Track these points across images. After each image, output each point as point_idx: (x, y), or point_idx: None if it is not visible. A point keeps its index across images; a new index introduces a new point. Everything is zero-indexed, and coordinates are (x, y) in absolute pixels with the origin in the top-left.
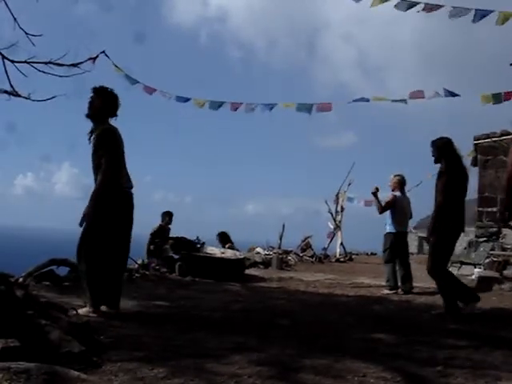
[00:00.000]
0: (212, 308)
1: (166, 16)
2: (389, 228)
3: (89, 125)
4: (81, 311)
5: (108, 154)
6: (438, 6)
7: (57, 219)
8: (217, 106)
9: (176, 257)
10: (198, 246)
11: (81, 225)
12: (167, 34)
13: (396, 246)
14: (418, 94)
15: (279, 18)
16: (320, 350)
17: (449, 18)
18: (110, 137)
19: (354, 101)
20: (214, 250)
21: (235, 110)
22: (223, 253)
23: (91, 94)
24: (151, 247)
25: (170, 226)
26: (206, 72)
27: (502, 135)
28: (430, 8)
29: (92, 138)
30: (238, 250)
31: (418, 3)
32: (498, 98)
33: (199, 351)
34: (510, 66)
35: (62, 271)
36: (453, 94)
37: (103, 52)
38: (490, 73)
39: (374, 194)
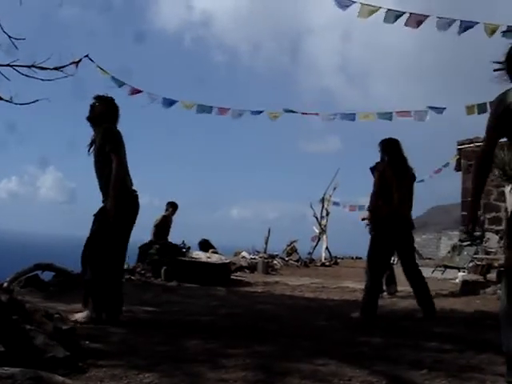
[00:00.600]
0: (198, 313)
1: (151, 20)
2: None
3: (82, 130)
4: (78, 316)
5: (118, 148)
6: (425, 16)
7: (41, 223)
8: (204, 110)
9: (162, 261)
10: (184, 250)
11: (110, 221)
12: (152, 38)
13: None
14: (404, 114)
15: (263, 22)
16: (306, 354)
17: (436, 28)
18: (116, 133)
19: (342, 118)
20: (200, 255)
21: (223, 115)
22: (209, 257)
23: (94, 100)
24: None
25: (173, 217)
26: (191, 76)
27: None
28: (416, 20)
29: (96, 138)
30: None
31: (404, 13)
32: (482, 109)
33: (186, 356)
34: (493, 71)
35: (47, 276)
36: (439, 110)
37: (87, 56)
38: (476, 77)
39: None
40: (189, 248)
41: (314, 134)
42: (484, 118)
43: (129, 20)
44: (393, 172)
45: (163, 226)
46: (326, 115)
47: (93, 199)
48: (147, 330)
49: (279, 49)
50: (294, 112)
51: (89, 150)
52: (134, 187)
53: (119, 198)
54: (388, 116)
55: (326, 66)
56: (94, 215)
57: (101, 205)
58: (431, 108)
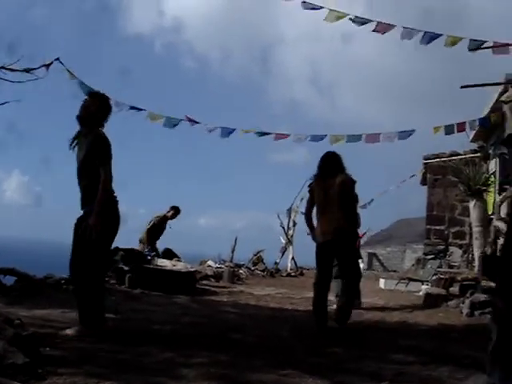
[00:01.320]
0: (161, 321)
1: (121, 25)
2: None
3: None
4: (70, 332)
5: (108, 162)
6: (390, 26)
7: (5, 226)
8: (172, 124)
9: (126, 268)
10: (149, 257)
11: (89, 237)
12: (123, 43)
13: None
14: (373, 138)
15: (234, 31)
16: (269, 365)
17: (400, 37)
18: (109, 145)
19: (312, 139)
20: (165, 263)
21: (192, 125)
22: (174, 265)
23: (87, 97)
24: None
25: (172, 220)
26: (161, 82)
27: (451, 155)
28: (382, 28)
29: (85, 141)
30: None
31: (371, 21)
32: (450, 130)
33: (147, 365)
34: (460, 88)
35: (9, 281)
36: (408, 134)
37: (57, 59)
38: (441, 93)
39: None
40: (154, 255)
41: (282, 145)
42: (451, 137)
43: (100, 24)
44: (318, 189)
45: (158, 228)
46: (297, 136)
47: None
48: (110, 337)
49: (250, 58)
50: (266, 134)
51: (71, 145)
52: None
53: (104, 212)
54: (357, 138)
55: (295, 76)
56: (76, 225)
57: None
58: (400, 132)
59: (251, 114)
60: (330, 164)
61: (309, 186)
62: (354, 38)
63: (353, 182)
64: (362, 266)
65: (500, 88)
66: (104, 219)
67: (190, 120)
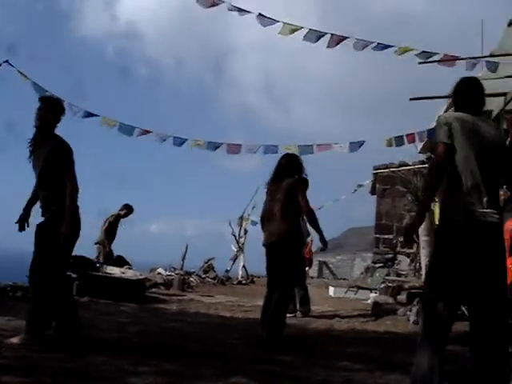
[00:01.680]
0: (109, 329)
1: (73, 29)
2: None
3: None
4: (16, 340)
5: (72, 168)
6: (343, 38)
7: None
8: (127, 130)
9: (74, 275)
10: (98, 265)
11: (63, 245)
12: (75, 48)
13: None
14: (325, 147)
15: (188, 38)
16: (218, 373)
17: (354, 49)
18: (70, 150)
19: (265, 152)
20: (114, 270)
21: (145, 134)
22: (123, 273)
23: (42, 105)
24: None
25: (124, 219)
26: (112, 87)
27: (400, 166)
28: (336, 40)
29: (42, 148)
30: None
31: (325, 34)
32: (400, 141)
33: (93, 373)
34: (409, 100)
35: None
36: (359, 145)
37: (7, 61)
38: (392, 106)
39: None
40: (103, 263)
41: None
42: (400, 149)
43: (51, 26)
44: (269, 192)
45: (114, 227)
46: (250, 146)
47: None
48: (55, 346)
49: (203, 66)
50: (217, 146)
51: (31, 155)
52: None
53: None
54: (309, 149)
55: (249, 86)
56: (37, 231)
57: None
58: (351, 143)
59: (204, 122)
60: (284, 167)
61: (266, 186)
62: (308, 48)
63: (302, 183)
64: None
65: (448, 100)
66: (60, 225)
67: (142, 133)
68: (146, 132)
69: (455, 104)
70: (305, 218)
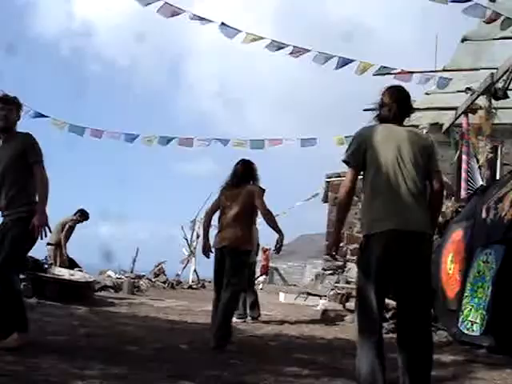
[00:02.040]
0: (56, 332)
1: (28, 25)
2: None
3: None
4: (11, 341)
5: (42, 159)
6: (305, 50)
7: None
8: (78, 130)
9: (22, 277)
10: (46, 266)
11: (38, 237)
12: (28, 45)
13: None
14: (277, 142)
15: (144, 39)
16: (165, 378)
17: (314, 62)
18: (38, 143)
19: (216, 140)
20: (63, 272)
21: (98, 137)
22: (72, 275)
23: (3, 105)
24: None
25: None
26: (67, 88)
27: None
28: (297, 51)
29: (11, 145)
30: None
31: (287, 45)
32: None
33: (39, 377)
34: (363, 111)
35: None
36: (310, 142)
37: None
38: (345, 114)
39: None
40: (51, 264)
41: (187, 155)
42: None
43: (2, 22)
44: (224, 197)
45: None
46: (201, 141)
47: None
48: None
49: (158, 68)
50: (170, 140)
51: None
52: None
53: (31, 216)
54: (260, 144)
55: (203, 89)
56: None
57: None
58: (303, 140)
59: (158, 124)
60: (242, 173)
61: (221, 189)
62: (266, 55)
63: (259, 190)
64: (261, 279)
65: None
66: (28, 223)
67: (94, 134)
68: (98, 131)
69: (377, 114)
70: (257, 225)
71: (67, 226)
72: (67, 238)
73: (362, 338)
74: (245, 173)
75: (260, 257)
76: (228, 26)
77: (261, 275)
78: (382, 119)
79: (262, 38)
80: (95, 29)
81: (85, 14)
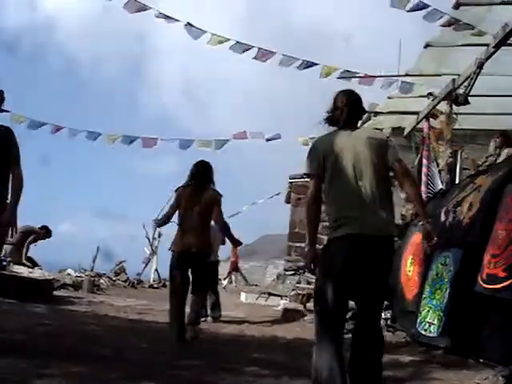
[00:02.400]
0: (13, 330)
1: None
2: None
3: None
4: None
5: (19, 153)
6: (271, 53)
7: None
8: (37, 126)
9: None
10: (4, 263)
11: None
12: None
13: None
14: (241, 135)
15: (108, 36)
16: (125, 377)
17: (280, 64)
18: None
19: (181, 146)
20: (21, 269)
21: (56, 132)
22: (31, 272)
23: None
24: None
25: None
26: (26, 83)
27: None
28: (262, 54)
29: None
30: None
31: (252, 47)
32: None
33: None
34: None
35: None
36: (275, 138)
37: None
38: (311, 116)
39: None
40: (10, 262)
41: (150, 154)
42: None
43: None
44: (185, 199)
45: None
46: (165, 140)
47: None
48: None
49: (122, 65)
50: (134, 139)
51: None
52: None
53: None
54: (225, 144)
55: (167, 88)
56: None
57: None
58: (268, 140)
59: (121, 122)
60: (202, 175)
61: (176, 190)
62: (229, 55)
63: (220, 197)
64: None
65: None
66: None
67: (56, 130)
68: (59, 128)
69: (331, 119)
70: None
71: (31, 238)
72: (28, 248)
73: (321, 338)
74: (205, 175)
75: (229, 253)
76: (193, 27)
77: (230, 272)
78: (332, 122)
79: (227, 40)
80: (58, 24)
81: (48, 8)
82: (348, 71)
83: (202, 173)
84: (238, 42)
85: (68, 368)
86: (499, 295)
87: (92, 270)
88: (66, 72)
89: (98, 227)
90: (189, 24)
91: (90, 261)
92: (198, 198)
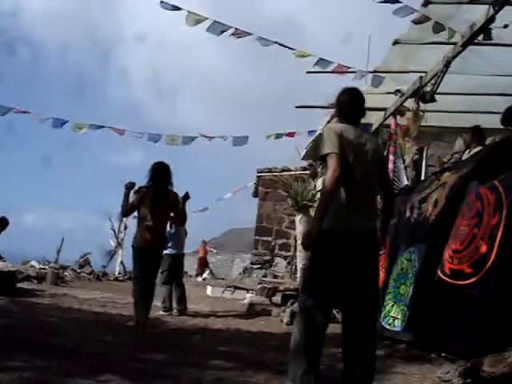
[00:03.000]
0: None
1: None
2: (168, 250)
3: None
4: None
5: None
6: (247, 33)
7: None
8: (4, 111)
9: None
10: None
11: None
12: None
13: (174, 268)
14: (209, 139)
15: (76, 24)
16: (88, 370)
17: (255, 45)
18: None
19: (149, 139)
20: None
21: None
22: None
23: None
24: None
25: None
26: None
27: (283, 171)
28: (239, 33)
29: None
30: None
31: (230, 27)
32: (279, 136)
33: None
34: (295, 107)
35: None
36: (243, 139)
37: None
38: (277, 110)
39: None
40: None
41: (117, 146)
42: (282, 148)
43: None
44: (150, 199)
45: None
46: (133, 133)
47: None
48: None
49: (89, 53)
50: (101, 127)
51: None
52: None
53: None
54: (193, 140)
55: (135, 78)
56: None
57: None
58: (235, 137)
59: (87, 112)
60: (164, 177)
61: (139, 189)
62: (202, 45)
63: (179, 198)
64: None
65: (329, 110)
66: None
67: (20, 111)
68: (24, 112)
69: (339, 114)
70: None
71: None
72: None
73: (304, 342)
74: (166, 177)
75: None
76: (169, 4)
77: (201, 269)
78: (345, 118)
79: (204, 19)
80: (24, 10)
81: None
82: (322, 60)
83: (163, 175)
84: (215, 21)
85: (30, 360)
86: (468, 290)
87: (56, 262)
88: (32, 60)
89: (62, 219)
90: (163, 2)
91: (55, 253)
92: (163, 199)
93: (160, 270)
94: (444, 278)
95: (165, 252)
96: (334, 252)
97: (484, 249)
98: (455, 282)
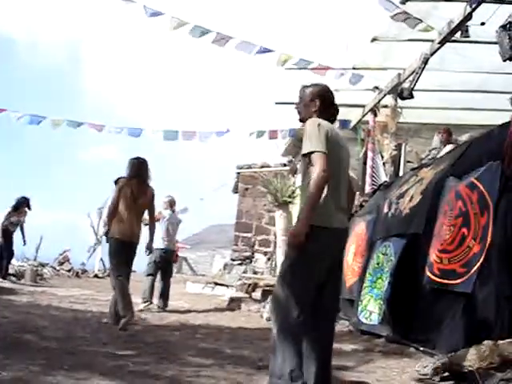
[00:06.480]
0: None
1: None
2: (158, 244)
3: None
4: None
5: None
6: (229, 37)
7: None
8: None
9: None
10: None
11: None
12: None
13: (161, 262)
14: (191, 135)
15: (45, 15)
16: (67, 368)
17: (236, 49)
18: None
19: (130, 134)
20: None
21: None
22: None
23: None
24: None
25: None
26: None
27: (262, 167)
28: (221, 38)
29: None
30: None
31: (210, 31)
32: (261, 135)
33: None
34: (275, 104)
35: None
36: (224, 133)
37: None
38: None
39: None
40: None
41: (93, 142)
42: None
43: None
44: (130, 191)
45: None
46: (112, 129)
47: None
48: None
49: (61, 47)
50: (80, 124)
51: None
52: None
53: None
54: (174, 135)
55: (109, 73)
56: None
57: None
58: (217, 133)
59: (62, 106)
60: (144, 171)
61: (117, 180)
62: (174, 40)
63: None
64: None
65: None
66: None
67: None
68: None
69: (320, 111)
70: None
71: None
72: None
73: (285, 337)
74: (146, 171)
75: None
76: (152, 9)
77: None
78: (324, 115)
79: (186, 24)
80: None
81: None
82: (304, 60)
83: (143, 169)
84: (196, 25)
85: (7, 359)
86: (458, 289)
87: (35, 260)
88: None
89: (41, 216)
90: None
91: (33, 250)
92: (143, 192)
93: (147, 262)
94: (434, 278)
95: (155, 245)
96: (324, 249)
97: (477, 248)
98: (446, 281)
